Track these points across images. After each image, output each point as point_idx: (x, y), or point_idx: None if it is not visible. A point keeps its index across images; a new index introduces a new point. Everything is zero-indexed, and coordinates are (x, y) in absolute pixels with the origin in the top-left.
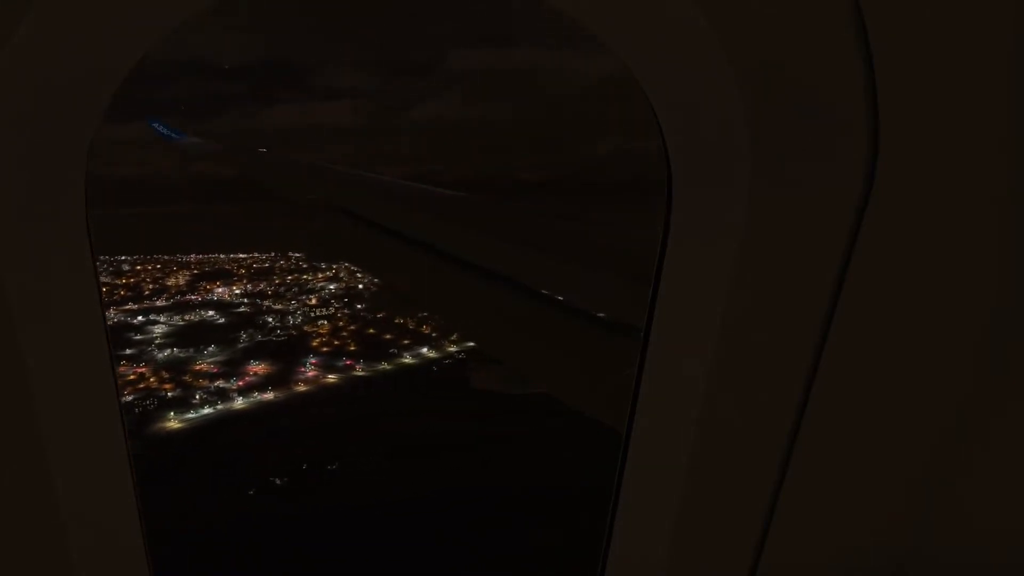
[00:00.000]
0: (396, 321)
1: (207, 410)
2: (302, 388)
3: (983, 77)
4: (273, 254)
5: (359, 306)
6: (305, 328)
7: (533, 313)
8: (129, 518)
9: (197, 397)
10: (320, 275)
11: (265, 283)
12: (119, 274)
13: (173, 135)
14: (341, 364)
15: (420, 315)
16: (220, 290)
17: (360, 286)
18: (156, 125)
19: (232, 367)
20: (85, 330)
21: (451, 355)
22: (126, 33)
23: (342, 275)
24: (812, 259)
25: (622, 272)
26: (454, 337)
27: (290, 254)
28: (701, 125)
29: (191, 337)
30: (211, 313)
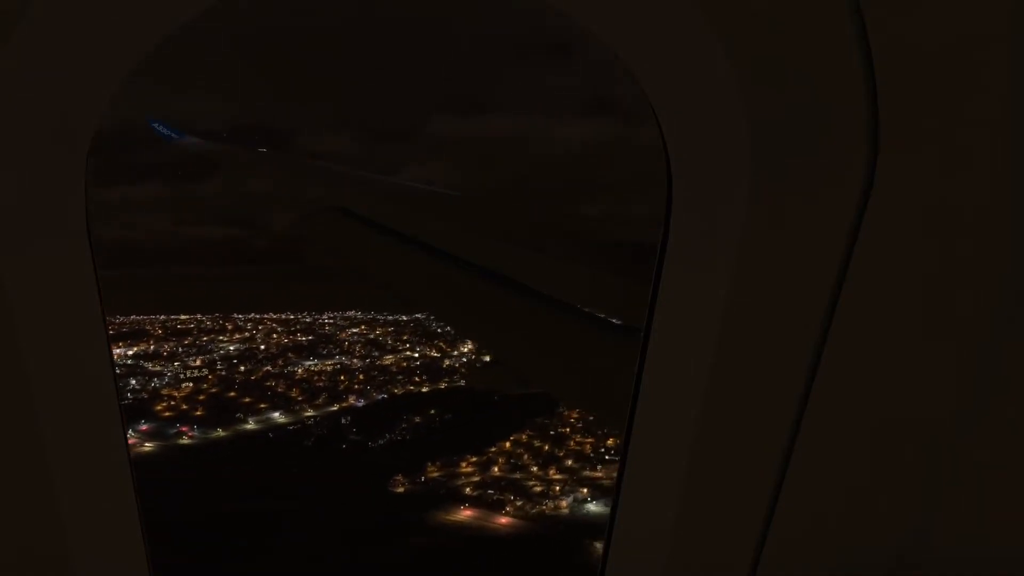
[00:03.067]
0: (267, 383)
1: None
2: None
3: (983, 77)
4: (216, 315)
5: (242, 367)
6: (163, 391)
7: (533, 313)
8: (129, 518)
9: None
10: (236, 336)
11: (172, 344)
12: None
13: (173, 135)
14: (173, 431)
15: (306, 374)
16: (116, 351)
17: (263, 346)
18: (156, 125)
19: None
20: (85, 331)
21: (302, 420)
22: (126, 33)
23: (258, 336)
24: (812, 259)
25: (622, 272)
26: (319, 401)
27: (234, 315)
28: (701, 125)
29: None
30: None
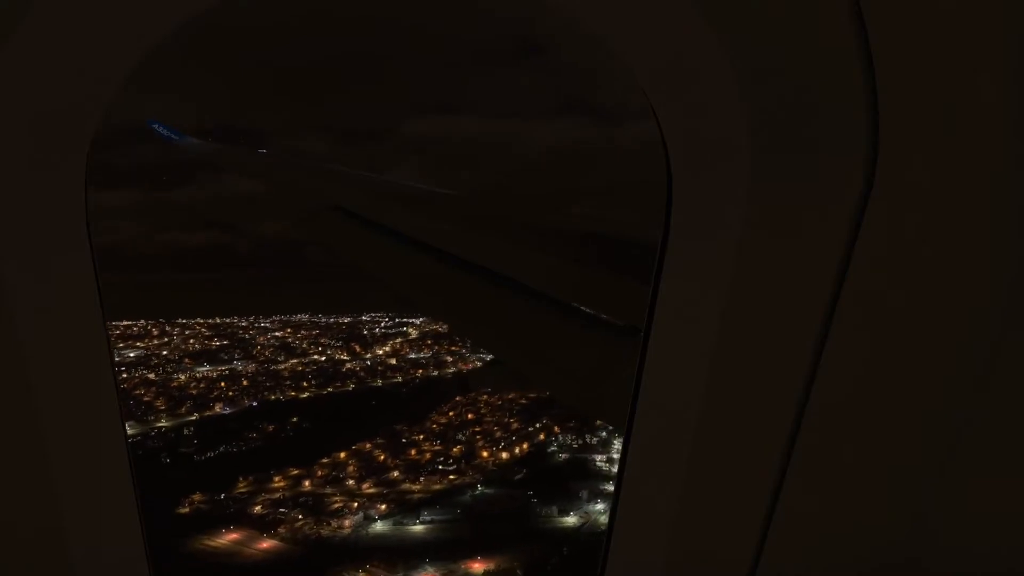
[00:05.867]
0: (136, 392)
1: None
2: None
3: (982, 77)
4: (158, 320)
5: (124, 375)
6: None
7: (533, 313)
8: (129, 518)
9: None
10: (153, 342)
11: None
12: None
13: (173, 136)
14: None
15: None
16: None
17: (164, 352)
18: (156, 126)
19: None
20: (85, 330)
21: (145, 432)
22: (126, 33)
23: (174, 342)
24: (812, 259)
25: (622, 272)
26: (182, 410)
27: (177, 321)
28: (701, 125)
29: None
30: None
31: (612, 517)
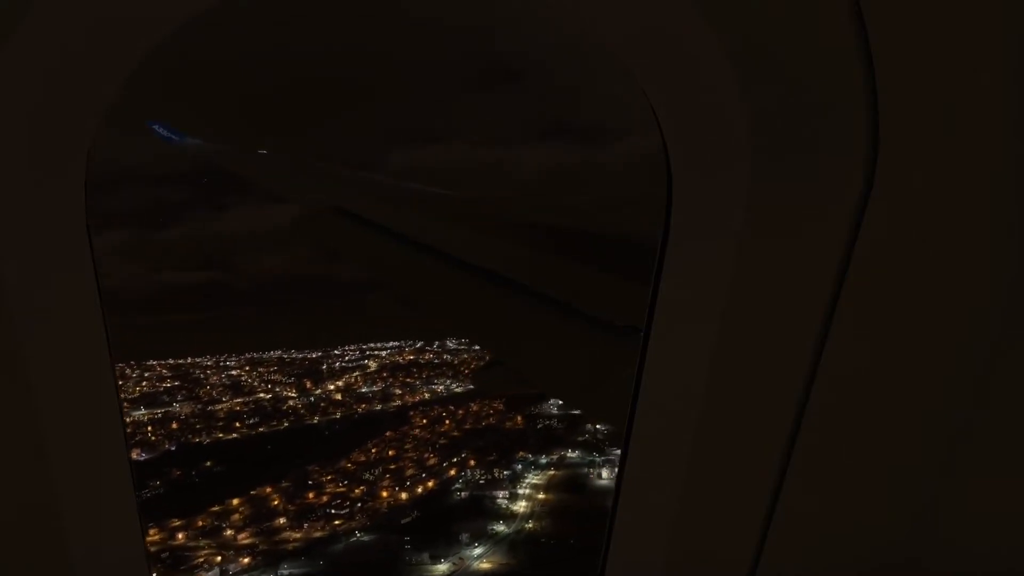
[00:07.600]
0: None
1: None
2: None
3: (982, 78)
4: (128, 363)
5: None
6: None
7: (533, 313)
8: (129, 518)
9: None
10: None
11: None
12: None
13: (174, 136)
14: None
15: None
16: None
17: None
18: (157, 127)
19: None
20: (85, 330)
21: None
22: (127, 33)
23: (128, 384)
24: (812, 259)
25: (621, 272)
26: None
27: (148, 363)
28: (701, 126)
29: None
30: None
31: (612, 517)
